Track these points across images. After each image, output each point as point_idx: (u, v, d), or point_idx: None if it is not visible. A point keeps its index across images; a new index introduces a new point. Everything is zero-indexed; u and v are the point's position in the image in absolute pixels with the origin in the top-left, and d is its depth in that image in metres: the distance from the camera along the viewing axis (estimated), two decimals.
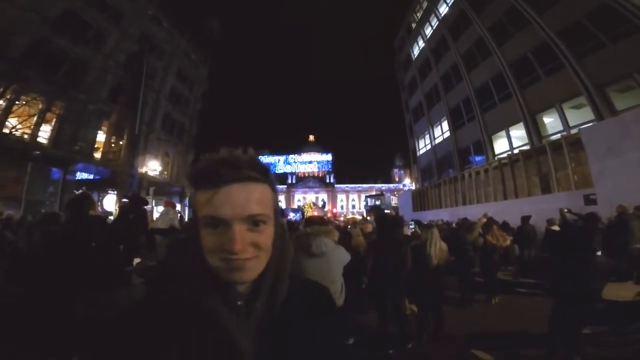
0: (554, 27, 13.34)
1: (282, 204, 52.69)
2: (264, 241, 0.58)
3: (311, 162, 65.02)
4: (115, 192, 18.00)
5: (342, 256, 3.06)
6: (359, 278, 4.42)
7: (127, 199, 4.90)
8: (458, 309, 5.30)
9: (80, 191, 13.21)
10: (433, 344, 3.93)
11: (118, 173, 17.30)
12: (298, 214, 31.16)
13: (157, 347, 0.54)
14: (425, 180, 26.63)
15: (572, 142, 9.78)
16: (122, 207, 5.40)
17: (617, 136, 8.20)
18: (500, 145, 17.25)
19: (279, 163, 62.86)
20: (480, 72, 18.61)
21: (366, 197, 42.11)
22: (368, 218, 15.72)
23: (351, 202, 61.29)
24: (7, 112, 13.34)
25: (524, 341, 3.86)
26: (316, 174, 63.99)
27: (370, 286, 3.90)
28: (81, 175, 16.97)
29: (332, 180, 63.08)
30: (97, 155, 18.28)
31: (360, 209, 53.62)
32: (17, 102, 13.66)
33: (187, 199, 26.76)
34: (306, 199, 59.10)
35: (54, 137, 15.49)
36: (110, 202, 18.15)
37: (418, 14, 27.61)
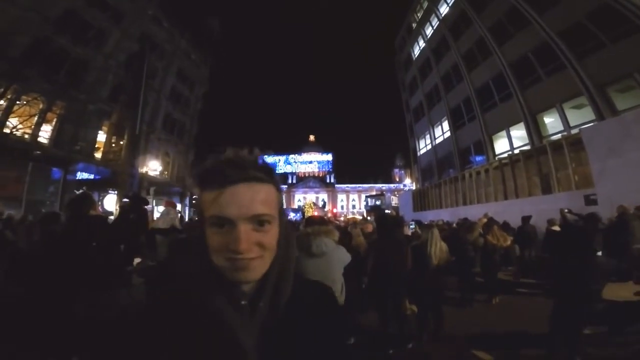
0: (554, 27, 13.33)
1: (283, 204, 52.46)
2: (268, 241, 0.59)
3: (311, 162, 65.04)
4: (116, 192, 18.01)
5: (343, 256, 3.06)
6: (359, 278, 4.42)
7: (127, 198, 4.91)
8: (458, 309, 5.29)
9: (80, 191, 13.24)
10: (433, 344, 3.93)
11: (118, 173, 17.31)
12: (298, 214, 31.19)
13: (163, 346, 0.55)
14: (425, 180, 26.62)
15: (573, 142, 9.77)
16: (122, 207, 5.41)
17: (617, 136, 8.19)
18: (501, 145, 17.25)
19: (280, 163, 62.88)
20: (481, 72, 18.60)
21: (366, 197, 42.09)
22: (368, 218, 15.71)
23: (351, 202, 61.28)
24: (8, 112, 13.37)
25: (524, 341, 3.86)
26: (316, 174, 64.00)
27: (370, 286, 3.90)
28: (82, 175, 17.00)
29: (332, 180, 63.08)
30: (98, 155, 18.31)
31: (360, 209, 53.60)
32: (17, 102, 13.68)
33: (187, 199, 26.78)
34: (306, 199, 59.10)
35: (55, 137, 15.51)
36: (110, 202, 18.18)
37: (418, 14, 27.60)
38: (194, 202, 31.12)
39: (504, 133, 16.79)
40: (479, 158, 18.81)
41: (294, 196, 60.86)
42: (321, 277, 2.70)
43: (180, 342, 0.55)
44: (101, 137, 18.55)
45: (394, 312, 3.74)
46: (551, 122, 14.10)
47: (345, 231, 6.11)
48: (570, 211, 6.75)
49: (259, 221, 0.57)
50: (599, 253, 4.96)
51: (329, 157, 65.59)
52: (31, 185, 14.07)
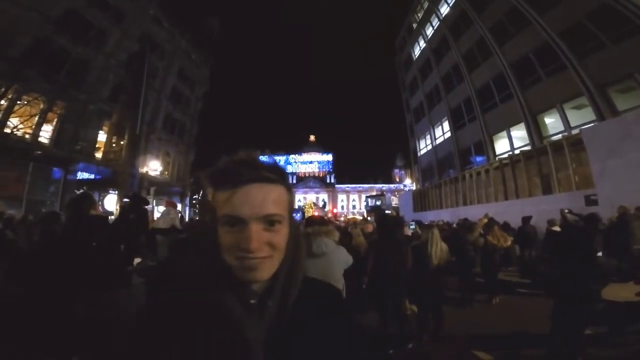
0: (555, 27, 13.32)
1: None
2: (278, 241, 0.60)
3: (312, 162, 65.09)
4: (116, 191, 18.01)
5: (343, 257, 3.06)
6: (359, 278, 4.42)
7: (128, 198, 4.91)
8: (458, 309, 5.30)
9: (81, 191, 13.26)
10: (433, 344, 3.93)
11: (119, 173, 17.31)
12: (298, 214, 31.18)
13: (172, 343, 0.56)
14: (426, 181, 26.62)
15: (573, 143, 9.77)
16: (122, 207, 5.41)
17: (618, 137, 8.18)
18: (501, 146, 17.24)
19: (280, 163, 62.88)
20: (481, 72, 18.59)
21: (367, 197, 42.07)
22: (369, 218, 15.71)
23: (352, 203, 61.27)
24: (9, 112, 13.36)
25: (524, 341, 3.86)
26: (317, 174, 64.03)
27: (370, 286, 3.90)
28: (82, 175, 17.00)
29: (332, 181, 63.10)
30: (98, 155, 18.30)
31: (360, 209, 53.61)
32: (18, 102, 13.67)
33: (187, 199, 26.79)
34: (307, 199, 59.07)
35: (55, 137, 15.51)
36: (111, 202, 18.18)
37: (419, 14, 27.60)
38: (194, 202, 31.17)
39: (504, 133, 16.79)
40: (479, 158, 18.81)
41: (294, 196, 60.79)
42: (321, 277, 2.68)
43: (189, 340, 0.56)
44: (101, 137, 18.54)
45: (394, 312, 3.74)
46: (552, 122, 14.09)
47: (346, 231, 6.12)
48: (570, 211, 6.75)
49: (270, 221, 0.58)
50: (599, 253, 4.96)
51: (329, 157, 65.62)
52: (32, 185, 14.07)
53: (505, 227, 7.94)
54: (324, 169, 64.83)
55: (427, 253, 4.11)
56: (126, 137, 18.51)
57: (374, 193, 47.22)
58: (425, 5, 26.22)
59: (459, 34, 21.00)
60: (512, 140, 16.20)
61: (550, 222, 6.76)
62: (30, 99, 13.88)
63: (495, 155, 17.16)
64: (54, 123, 15.56)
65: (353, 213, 53.47)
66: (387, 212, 24.35)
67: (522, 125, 15.22)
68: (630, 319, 3.56)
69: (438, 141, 24.33)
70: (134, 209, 4.13)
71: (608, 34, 11.29)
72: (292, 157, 64.71)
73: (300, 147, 67.55)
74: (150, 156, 21.26)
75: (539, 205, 10.13)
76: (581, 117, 12.30)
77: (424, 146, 27.46)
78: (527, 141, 14.86)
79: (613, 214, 6.49)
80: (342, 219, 35.28)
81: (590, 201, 8.59)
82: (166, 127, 24.27)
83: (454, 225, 10.56)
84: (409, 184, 51.94)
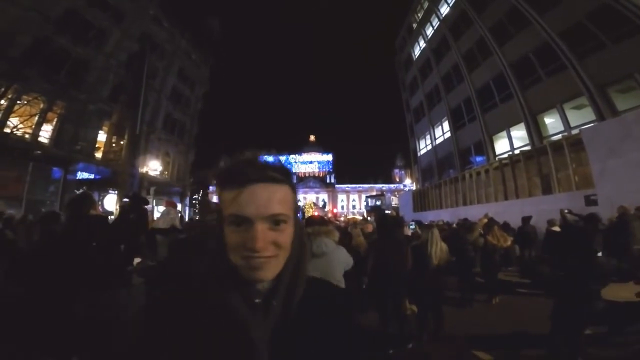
0: (555, 27, 13.32)
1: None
2: (283, 240, 0.60)
3: (312, 162, 65.09)
4: (116, 191, 18.02)
5: (343, 257, 3.06)
6: (359, 278, 4.42)
7: (127, 198, 4.91)
8: (458, 309, 5.30)
9: (80, 191, 13.27)
10: (433, 344, 3.93)
11: (119, 173, 17.31)
12: (299, 214, 31.16)
13: (177, 341, 0.56)
14: (425, 181, 26.62)
15: (573, 143, 9.77)
16: (122, 207, 5.41)
17: (618, 137, 8.18)
18: (501, 146, 17.24)
19: (285, 163, 62.99)
20: (481, 72, 18.59)
21: (367, 197, 42.08)
22: (369, 218, 15.71)
23: (352, 203, 61.27)
24: (9, 111, 13.36)
25: (524, 341, 3.86)
26: (317, 174, 64.03)
27: (370, 286, 3.90)
28: (82, 175, 17.01)
29: (332, 181, 63.09)
30: (98, 155, 18.30)
31: (360, 209, 53.61)
32: (18, 102, 13.66)
33: (187, 199, 26.78)
34: (307, 199, 59.07)
35: (55, 136, 15.51)
36: (110, 202, 18.19)
37: (419, 14, 27.59)
38: (194, 202, 31.17)
39: (504, 133, 16.79)
40: (479, 158, 18.81)
41: None
42: (322, 277, 2.69)
43: (195, 339, 0.57)
44: (101, 137, 18.54)
45: (394, 312, 3.74)
46: (551, 122, 14.09)
47: (346, 231, 6.12)
48: (570, 212, 6.75)
49: (275, 220, 0.59)
50: (599, 253, 4.96)
51: (329, 157, 65.62)
52: (31, 185, 14.07)
53: (505, 227, 7.94)
54: (324, 169, 64.84)
55: (427, 253, 4.11)
56: (126, 137, 18.52)
57: (374, 193, 47.23)
58: (425, 5, 26.22)
59: (459, 34, 21.00)
60: (512, 140, 16.20)
61: (550, 222, 6.76)
62: (30, 98, 13.88)
63: (495, 155, 17.16)
64: (54, 123, 15.56)
65: (353, 213, 53.49)
66: (387, 212, 24.36)
67: (522, 125, 15.23)
68: (630, 319, 3.56)
69: (438, 141, 24.33)
70: (133, 208, 4.13)
71: (608, 34, 11.29)
72: (292, 157, 64.69)
73: (300, 147, 67.63)
74: (150, 156, 21.26)
75: (539, 205, 10.13)
76: (581, 117, 12.31)
77: (424, 146, 27.46)
78: (527, 141, 14.86)
79: (613, 214, 6.49)
80: (342, 219, 35.30)
81: (590, 201, 8.59)
82: (166, 127, 24.26)
83: (454, 225, 10.56)
84: (409, 184, 51.96)
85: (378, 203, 33.55)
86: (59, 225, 2.93)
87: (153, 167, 21.53)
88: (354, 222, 9.20)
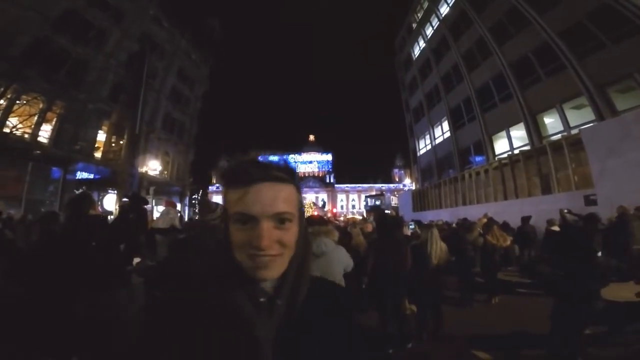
0: (555, 27, 13.33)
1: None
2: (288, 239, 0.61)
3: (311, 162, 65.08)
4: (116, 191, 18.02)
5: (343, 257, 3.06)
6: (359, 278, 4.42)
7: (127, 198, 4.90)
8: (458, 309, 5.30)
9: (80, 191, 13.26)
10: (433, 343, 3.93)
11: (118, 172, 17.32)
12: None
13: (182, 340, 0.57)
14: (425, 181, 26.62)
15: (573, 143, 9.77)
16: (122, 207, 5.40)
17: (617, 136, 8.19)
18: (501, 146, 17.25)
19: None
20: (481, 72, 18.60)
21: (366, 197, 42.09)
22: (369, 218, 15.72)
23: (351, 202, 61.28)
24: (8, 111, 13.35)
25: (524, 341, 3.86)
26: (316, 174, 64.01)
27: (370, 286, 3.90)
28: (81, 175, 16.99)
29: (332, 180, 63.10)
30: (98, 154, 18.29)
31: (360, 209, 53.59)
32: (17, 102, 13.66)
33: (187, 199, 26.76)
34: (306, 199, 59.08)
35: (55, 136, 15.50)
36: (110, 202, 18.17)
37: (419, 14, 27.59)
38: (193, 201, 31.14)
39: (503, 133, 16.79)
40: (478, 158, 18.82)
41: None
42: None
43: (200, 337, 0.57)
44: (101, 136, 18.53)
45: (393, 312, 3.74)
46: (551, 122, 14.10)
47: (345, 231, 6.12)
48: (569, 211, 6.75)
49: (281, 219, 0.60)
50: (599, 253, 4.96)
51: (328, 157, 65.63)
52: (31, 184, 14.07)
53: (505, 226, 7.94)
54: (324, 169, 64.84)
55: (427, 253, 4.11)
56: (125, 136, 18.53)
57: (374, 193, 47.23)
58: (425, 5, 26.21)
59: (458, 34, 21.00)
60: (512, 140, 16.21)
61: (550, 222, 6.77)
62: (29, 98, 13.87)
63: (494, 155, 17.17)
64: (54, 123, 15.56)
65: (352, 213, 53.50)
66: (386, 211, 24.35)
67: (522, 125, 15.23)
68: (630, 318, 3.56)
69: (437, 141, 24.34)
70: (133, 208, 4.12)
71: (608, 34, 11.30)
72: (292, 157, 64.63)
73: (299, 146, 67.64)
74: (150, 156, 21.24)
75: (539, 205, 10.14)
76: (581, 117, 12.31)
77: (424, 146, 27.47)
78: (527, 141, 14.87)
79: (612, 213, 6.50)
80: (341, 218, 35.30)
81: (589, 201, 8.59)
82: (166, 126, 24.26)
83: (454, 225, 10.56)
84: (409, 183, 51.98)
85: (377, 203, 33.58)
86: (59, 225, 2.93)
87: (152, 166, 21.51)
88: (354, 222, 9.20)
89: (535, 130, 14.48)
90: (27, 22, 13.56)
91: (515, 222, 8.68)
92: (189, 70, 26.83)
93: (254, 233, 0.57)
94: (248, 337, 0.56)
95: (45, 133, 15.24)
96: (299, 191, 0.67)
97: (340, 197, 62.19)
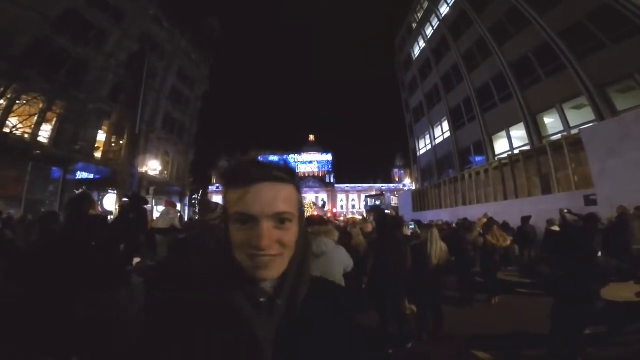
0: (555, 27, 13.32)
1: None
2: (288, 239, 0.61)
3: (311, 162, 65.08)
4: (116, 191, 18.01)
5: (343, 257, 3.06)
6: (359, 278, 4.42)
7: (127, 198, 4.90)
8: (458, 309, 5.30)
9: (80, 190, 13.26)
10: (433, 343, 3.93)
11: (118, 172, 17.32)
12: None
13: (182, 341, 0.57)
14: (425, 181, 26.62)
15: (573, 143, 9.77)
16: (122, 207, 5.40)
17: (617, 136, 8.19)
18: (501, 146, 17.25)
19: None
20: (481, 72, 18.60)
21: (366, 197, 42.09)
22: (368, 218, 15.72)
23: (351, 202, 61.26)
24: (8, 111, 13.35)
25: (524, 341, 3.86)
26: (316, 174, 64.00)
27: (370, 286, 3.90)
28: (81, 175, 16.99)
29: (332, 180, 63.09)
30: (98, 154, 18.29)
31: (360, 209, 53.59)
32: (17, 102, 13.65)
33: (187, 199, 26.75)
34: (306, 199, 59.06)
35: (55, 136, 15.50)
36: (110, 202, 18.17)
37: (419, 14, 27.59)
38: (193, 201, 31.14)
39: (503, 133, 16.79)
40: (478, 158, 18.82)
41: None
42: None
43: (200, 338, 0.57)
44: (101, 136, 18.53)
45: (393, 312, 3.74)
46: (551, 122, 14.10)
47: (345, 231, 6.12)
48: (569, 211, 6.76)
49: (281, 219, 0.60)
50: (599, 253, 4.96)
51: (328, 157, 65.62)
52: (31, 184, 14.07)
53: (505, 226, 7.94)
54: (324, 169, 64.84)
55: (427, 253, 4.11)
56: (125, 136, 18.52)
57: (374, 193, 47.22)
58: (425, 5, 26.21)
59: (458, 34, 21.00)
60: (512, 140, 16.20)
61: (550, 222, 6.76)
62: (29, 98, 13.87)
63: (494, 155, 17.17)
64: (54, 123, 15.56)
65: (352, 213, 53.49)
66: (386, 211, 24.35)
67: (522, 125, 15.23)
68: (630, 318, 3.56)
69: (437, 141, 24.34)
70: (133, 208, 4.12)
71: (608, 34, 11.30)
72: (292, 157, 64.63)
73: (299, 146, 67.64)
74: (150, 156, 21.24)
75: (538, 205, 10.14)
76: (580, 117, 12.31)
77: (424, 146, 27.47)
78: (527, 141, 14.86)
79: (612, 213, 6.50)
80: (341, 218, 35.30)
81: (589, 201, 8.59)
82: (165, 126, 24.25)
83: (454, 225, 10.56)
84: (409, 183, 51.99)
85: (377, 203, 33.59)
86: (59, 225, 2.93)
87: (152, 166, 21.52)
88: (354, 222, 9.20)
89: (535, 130, 14.48)
90: (27, 22, 13.56)
91: (515, 222, 8.68)
92: (189, 70, 26.83)
93: (254, 233, 0.57)
94: (248, 337, 0.56)
95: (45, 133, 15.24)
96: (299, 191, 0.67)
97: (340, 197, 62.19)
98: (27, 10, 13.49)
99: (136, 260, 4.24)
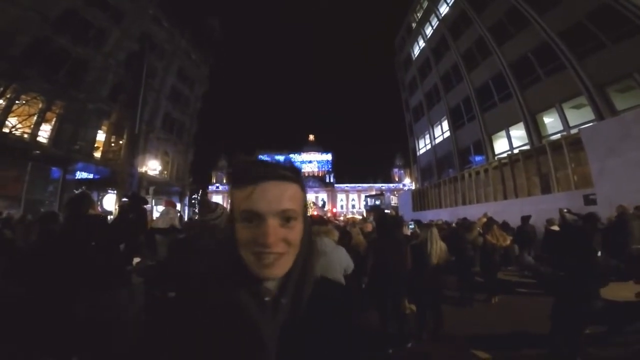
0: (554, 27, 13.33)
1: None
2: (293, 237, 0.61)
3: (311, 161, 65.10)
4: (115, 191, 17.98)
5: (343, 257, 3.06)
6: (359, 278, 4.42)
7: (126, 198, 4.89)
8: (458, 309, 5.29)
9: (79, 190, 13.23)
10: (432, 343, 3.93)
11: (118, 172, 17.29)
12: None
13: (186, 338, 0.58)
14: (425, 180, 26.61)
15: (572, 142, 9.78)
16: (121, 207, 5.39)
17: (617, 136, 8.19)
18: (500, 145, 17.25)
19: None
20: (481, 72, 18.59)
21: (366, 196, 42.06)
22: (368, 218, 15.72)
23: (351, 202, 61.28)
24: (8, 111, 13.34)
25: (524, 341, 3.86)
26: (316, 174, 64.03)
27: (370, 286, 3.90)
28: (81, 175, 16.96)
29: (332, 180, 63.10)
30: (97, 154, 18.27)
31: (360, 208, 53.59)
32: (17, 102, 13.65)
33: (186, 199, 26.74)
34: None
35: (54, 136, 15.49)
36: (110, 202, 18.15)
37: (418, 14, 27.59)
38: (193, 201, 31.14)
39: (503, 133, 16.79)
40: (478, 158, 18.82)
41: None
42: None
43: (200, 337, 0.58)
44: (100, 136, 18.51)
45: (393, 312, 3.74)
46: (551, 122, 14.10)
47: (345, 231, 6.13)
48: (569, 211, 6.75)
49: (286, 217, 0.60)
50: (599, 253, 4.96)
51: (328, 156, 65.65)
52: (30, 184, 14.06)
53: (504, 226, 7.94)
54: (324, 169, 64.87)
55: (427, 252, 4.11)
56: (125, 136, 18.49)
57: (373, 192, 47.20)
58: (425, 5, 26.21)
59: (458, 34, 21.00)
60: (511, 140, 16.20)
61: (549, 222, 6.77)
62: (29, 98, 13.87)
63: (494, 154, 17.17)
64: (53, 122, 15.55)
65: (352, 212, 53.50)
66: (386, 211, 24.35)
67: (521, 124, 15.23)
68: (630, 318, 3.56)
69: (437, 141, 24.33)
70: (133, 208, 4.11)
71: (608, 34, 11.30)
72: (292, 157, 64.65)
73: (299, 146, 67.70)
74: (149, 155, 21.22)
75: (538, 204, 10.14)
76: (580, 116, 12.31)
77: (423, 146, 27.46)
78: (526, 141, 14.87)
79: (612, 213, 6.50)
80: (341, 218, 35.30)
81: (589, 200, 8.60)
82: (165, 126, 24.24)
83: (453, 224, 10.56)
84: (408, 183, 52.02)
85: (377, 202, 33.56)
86: (58, 225, 2.93)
87: (152, 166, 21.49)
88: (353, 222, 9.20)
89: (534, 130, 14.48)
90: (27, 22, 13.55)
91: (515, 222, 8.68)
92: (188, 70, 26.81)
93: (260, 230, 0.57)
94: (252, 337, 0.57)
95: (44, 133, 15.23)
96: (304, 190, 0.68)
97: (340, 196, 62.20)
98: (27, 10, 13.49)
99: (136, 260, 4.24)
